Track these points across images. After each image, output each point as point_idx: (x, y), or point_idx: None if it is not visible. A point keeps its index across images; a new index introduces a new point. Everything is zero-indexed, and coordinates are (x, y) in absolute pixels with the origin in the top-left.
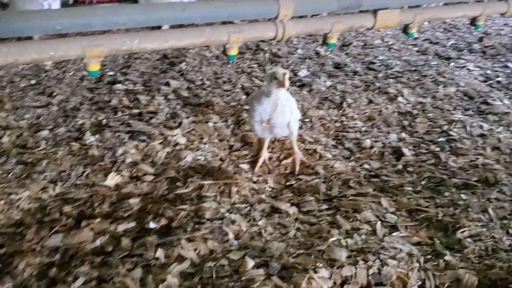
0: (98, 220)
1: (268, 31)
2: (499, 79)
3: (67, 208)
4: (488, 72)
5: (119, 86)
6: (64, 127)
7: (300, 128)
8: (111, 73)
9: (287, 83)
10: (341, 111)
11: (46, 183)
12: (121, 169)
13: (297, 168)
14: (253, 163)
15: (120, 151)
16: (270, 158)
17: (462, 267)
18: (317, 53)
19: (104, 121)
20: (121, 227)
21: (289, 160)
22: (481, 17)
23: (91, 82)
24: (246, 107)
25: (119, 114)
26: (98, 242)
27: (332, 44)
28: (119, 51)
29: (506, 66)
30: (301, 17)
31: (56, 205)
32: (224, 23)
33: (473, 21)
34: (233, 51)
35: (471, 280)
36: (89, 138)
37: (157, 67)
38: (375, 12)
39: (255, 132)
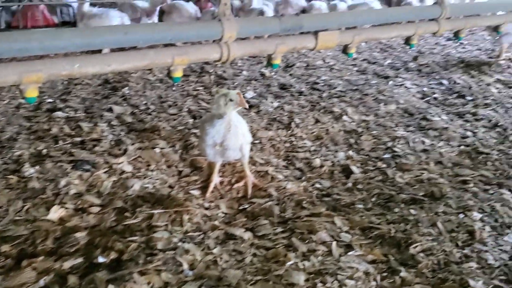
0: (41, 258)
1: (213, 53)
2: (435, 95)
3: (5, 248)
4: (425, 89)
5: (59, 113)
6: (0, 159)
7: (251, 150)
8: (50, 100)
9: (245, 102)
10: (289, 131)
11: None
12: (65, 202)
13: (250, 191)
14: (204, 189)
15: (63, 182)
16: (221, 183)
17: (417, 283)
18: (263, 75)
19: (44, 151)
20: (67, 264)
21: (241, 184)
22: (415, 37)
23: (29, 110)
24: (195, 130)
25: (60, 143)
26: (41, 283)
27: (276, 65)
28: (58, 76)
29: (441, 83)
30: (244, 38)
31: None
32: (167, 45)
33: (407, 41)
34: (178, 73)
35: None
36: (28, 170)
37: (98, 93)
38: (316, 33)
39: (206, 156)
